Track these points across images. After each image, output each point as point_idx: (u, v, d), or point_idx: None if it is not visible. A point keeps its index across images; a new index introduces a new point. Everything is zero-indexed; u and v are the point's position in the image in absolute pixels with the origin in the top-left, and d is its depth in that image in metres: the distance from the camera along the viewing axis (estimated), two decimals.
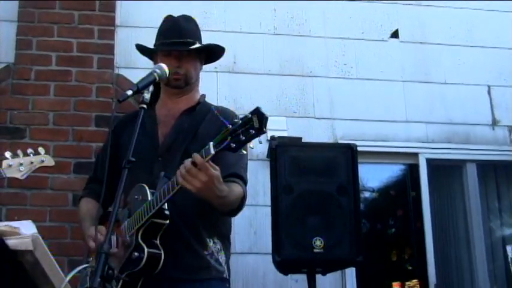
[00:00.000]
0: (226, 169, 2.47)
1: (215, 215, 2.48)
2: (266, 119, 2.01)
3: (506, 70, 4.83)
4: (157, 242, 2.35)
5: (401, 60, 4.72)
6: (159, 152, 2.54)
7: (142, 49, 2.77)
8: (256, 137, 2.03)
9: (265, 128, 2.02)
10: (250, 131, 2.02)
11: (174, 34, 2.63)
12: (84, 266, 2.14)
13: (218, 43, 2.75)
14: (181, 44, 2.62)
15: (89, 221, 2.48)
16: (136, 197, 2.42)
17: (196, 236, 2.47)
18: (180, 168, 2.19)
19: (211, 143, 2.11)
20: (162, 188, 2.26)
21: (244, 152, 2.14)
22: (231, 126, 2.06)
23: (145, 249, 2.30)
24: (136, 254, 2.31)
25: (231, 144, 2.06)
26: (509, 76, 4.81)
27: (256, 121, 2.01)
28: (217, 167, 2.21)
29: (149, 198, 2.33)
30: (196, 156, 2.15)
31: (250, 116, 2.03)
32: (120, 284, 2.33)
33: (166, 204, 2.28)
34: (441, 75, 4.74)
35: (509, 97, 4.75)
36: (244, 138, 2.03)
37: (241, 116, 2.07)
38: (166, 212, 2.33)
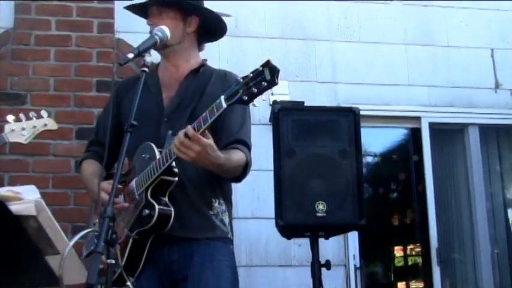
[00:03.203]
0: (229, 136, 2.49)
1: (220, 177, 2.49)
2: (278, 70, 2.03)
3: (509, 33, 4.79)
4: (166, 199, 2.36)
5: (403, 23, 4.68)
6: (165, 114, 2.54)
7: (132, 8, 2.71)
8: (268, 88, 2.05)
9: (277, 80, 2.03)
10: (262, 83, 2.03)
11: None
12: (88, 230, 2.14)
13: (220, 8, 2.70)
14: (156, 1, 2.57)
15: (96, 178, 2.47)
16: (143, 155, 2.42)
17: (202, 196, 2.48)
18: (174, 140, 2.21)
19: (222, 97, 2.12)
20: (170, 146, 2.26)
21: (256, 105, 2.12)
22: (242, 79, 2.07)
23: (156, 207, 2.31)
24: (147, 211, 2.32)
25: (244, 97, 2.07)
26: None
27: (268, 73, 2.02)
28: (210, 136, 2.22)
29: (157, 157, 2.33)
30: (189, 129, 2.18)
31: (261, 68, 2.04)
32: (130, 242, 2.37)
33: (174, 162, 2.29)
34: (444, 38, 4.71)
35: None
36: (256, 90, 2.05)
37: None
38: (175, 170, 2.34)
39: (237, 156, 2.45)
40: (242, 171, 2.49)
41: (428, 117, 4.58)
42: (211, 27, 2.69)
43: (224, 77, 2.59)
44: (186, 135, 2.18)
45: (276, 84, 2.03)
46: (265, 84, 2.03)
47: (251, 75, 2.05)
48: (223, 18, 2.70)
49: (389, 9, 4.65)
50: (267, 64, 2.03)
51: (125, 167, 2.56)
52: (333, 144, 3.16)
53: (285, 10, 4.50)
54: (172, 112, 2.54)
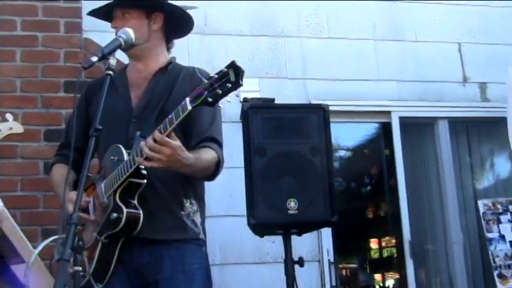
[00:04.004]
0: (199, 134, 2.49)
1: (192, 177, 2.48)
2: (242, 72, 2.02)
3: (476, 27, 4.86)
4: (135, 202, 2.35)
5: (372, 19, 4.70)
6: (134, 114, 2.52)
7: (95, 14, 2.71)
8: (233, 90, 2.04)
9: (242, 81, 2.03)
10: (227, 84, 2.03)
11: None
12: (55, 237, 2.12)
13: (190, 4, 2.69)
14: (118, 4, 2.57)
15: (66, 186, 2.42)
16: (112, 157, 2.40)
17: (173, 196, 2.47)
18: (144, 149, 2.19)
19: (187, 98, 2.12)
20: (138, 148, 2.24)
21: (221, 106, 2.14)
22: (207, 80, 2.06)
23: (124, 210, 2.30)
24: (115, 214, 2.31)
25: (208, 99, 2.06)
26: (479, 33, 4.85)
27: (233, 74, 2.02)
28: (176, 138, 2.22)
29: (125, 158, 2.32)
30: (156, 133, 2.17)
31: (226, 69, 2.03)
32: (99, 246, 2.35)
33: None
34: (412, 33, 4.75)
35: (479, 54, 4.79)
36: (221, 92, 2.04)
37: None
38: (144, 172, 2.32)
39: (207, 155, 2.44)
40: (214, 170, 2.48)
41: (399, 112, 4.61)
42: (178, 23, 2.67)
43: (193, 74, 2.56)
44: (154, 140, 2.17)
45: (241, 85, 2.03)
46: (230, 85, 2.03)
47: (216, 76, 2.05)
48: (190, 11, 2.69)
49: (358, 5, 4.66)
50: (232, 65, 2.03)
51: (96, 169, 2.56)
52: (304, 141, 3.16)
53: (254, 7, 4.48)
54: (140, 112, 2.52)
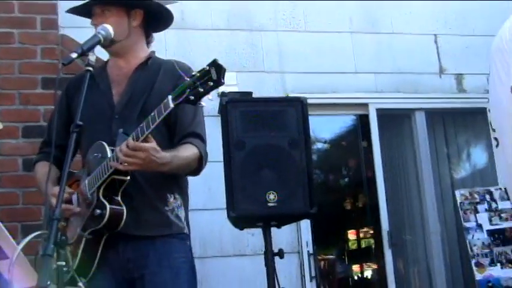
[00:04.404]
0: (182, 130, 2.51)
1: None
2: (224, 70, 2.05)
3: (452, 18, 4.89)
4: (119, 198, 2.37)
5: (349, 12, 4.72)
6: (116, 111, 2.53)
7: (74, 11, 2.71)
8: (215, 88, 2.07)
9: (223, 79, 2.06)
10: (209, 82, 2.06)
11: None
12: (37, 233, 2.13)
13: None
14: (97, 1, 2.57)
15: (50, 182, 2.43)
16: (95, 154, 2.42)
17: (157, 192, 2.49)
18: (118, 154, 2.23)
19: (169, 96, 2.14)
20: (115, 151, 2.27)
21: (204, 104, 2.16)
22: (188, 79, 2.09)
23: (107, 206, 2.32)
24: (98, 211, 2.33)
25: (190, 97, 2.09)
26: (454, 24, 4.88)
27: (214, 73, 2.04)
28: (152, 139, 2.25)
29: (108, 155, 2.33)
30: (129, 141, 2.21)
31: (207, 68, 2.06)
32: (83, 242, 2.37)
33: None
34: (388, 25, 4.78)
35: (455, 45, 4.83)
36: (202, 90, 2.07)
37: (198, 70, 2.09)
38: (127, 169, 2.33)
39: (186, 151, 2.45)
40: (197, 164, 2.50)
41: (376, 104, 4.65)
42: (157, 17, 2.68)
43: (173, 67, 2.55)
44: (128, 146, 2.21)
45: (222, 84, 2.06)
46: (212, 83, 2.05)
47: (198, 74, 2.07)
48: (169, 5, 2.69)
49: None
50: (214, 63, 2.05)
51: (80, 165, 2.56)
52: (282, 134, 3.18)
53: (231, 2, 4.49)
54: (122, 109, 2.53)
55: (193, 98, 2.08)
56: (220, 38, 4.41)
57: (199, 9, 4.41)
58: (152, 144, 2.25)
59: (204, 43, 4.34)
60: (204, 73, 2.06)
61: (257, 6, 4.55)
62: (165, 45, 4.08)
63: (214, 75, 2.04)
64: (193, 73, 2.10)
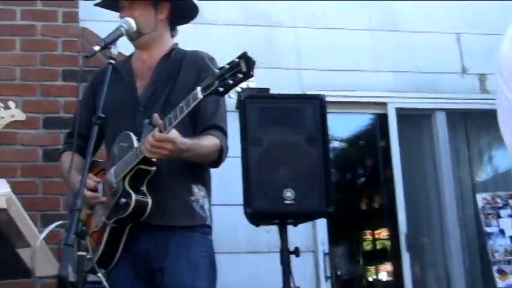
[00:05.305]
0: (204, 122, 2.53)
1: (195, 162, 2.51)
2: (253, 63, 2.07)
3: (476, 17, 4.80)
4: (144, 188, 2.39)
5: (368, 9, 4.68)
6: (141, 103, 2.56)
7: (101, 4, 2.74)
8: (244, 81, 2.08)
9: (253, 72, 2.07)
10: (238, 75, 2.06)
11: None
12: (60, 222, 2.16)
13: None
14: None
15: (75, 171, 2.48)
16: (122, 144, 2.45)
17: (182, 182, 2.50)
18: (146, 144, 2.25)
19: (198, 88, 2.16)
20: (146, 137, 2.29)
21: (232, 96, 2.18)
22: (218, 70, 2.10)
23: (133, 195, 2.34)
24: (123, 200, 2.35)
25: (219, 88, 2.10)
26: (478, 23, 4.79)
27: (244, 65, 2.05)
28: (174, 130, 2.27)
29: (135, 145, 2.36)
30: (155, 132, 2.23)
31: (237, 60, 2.07)
32: (108, 230, 2.40)
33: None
34: (409, 23, 4.72)
35: (479, 45, 4.72)
36: (231, 82, 2.08)
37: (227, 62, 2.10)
38: (153, 159, 2.35)
39: (207, 141, 2.47)
40: (218, 156, 2.51)
41: (395, 103, 4.61)
42: (183, 11, 2.71)
43: (195, 57, 2.63)
44: (154, 137, 2.23)
45: (252, 76, 2.07)
46: (241, 76, 2.06)
47: (227, 66, 2.08)
48: None
49: None
50: (243, 56, 2.06)
51: (104, 156, 2.59)
52: (300, 132, 3.18)
53: None
54: (147, 101, 2.55)
55: (222, 89, 2.10)
56: (238, 33, 4.40)
57: (217, 4, 4.39)
58: (176, 133, 2.27)
59: (221, 38, 4.32)
60: (234, 65, 2.07)
61: (275, 2, 4.52)
62: (183, 40, 4.07)
63: (244, 68, 2.05)
64: (222, 65, 2.10)
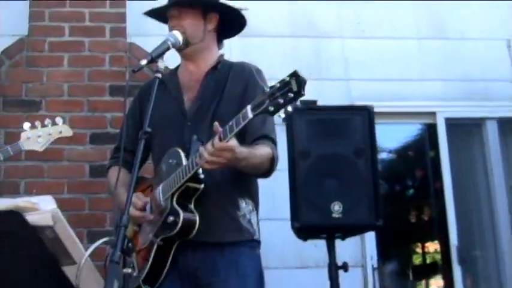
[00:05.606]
0: (254, 133, 2.48)
1: (245, 175, 2.49)
2: (305, 82, 1.99)
3: None
4: (192, 206, 2.37)
5: (415, 17, 4.62)
6: (188, 117, 2.54)
7: (151, 14, 2.73)
8: (295, 100, 2.01)
9: (304, 91, 1.99)
10: (289, 94, 2.00)
11: None
12: (106, 239, 2.15)
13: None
14: (176, 3, 2.59)
15: (122, 188, 2.48)
16: (170, 161, 2.43)
17: (228, 197, 2.48)
18: (203, 154, 2.20)
19: (248, 106, 2.11)
20: (197, 153, 2.26)
21: (282, 116, 2.12)
22: (268, 89, 2.05)
23: (181, 214, 2.33)
24: (171, 218, 2.34)
25: (269, 108, 2.04)
26: None
27: (295, 84, 1.98)
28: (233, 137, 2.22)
29: (183, 163, 2.34)
30: (216, 141, 2.18)
31: (288, 79, 2.01)
32: (155, 248, 2.38)
33: (201, 168, 2.29)
34: (457, 30, 4.64)
35: None
36: (282, 101, 2.01)
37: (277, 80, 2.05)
38: (201, 176, 2.33)
39: (260, 150, 2.43)
40: (269, 166, 2.48)
41: (444, 112, 4.52)
42: (231, 23, 2.69)
43: (242, 69, 2.61)
44: (213, 146, 2.19)
45: (303, 95, 1.99)
46: (292, 95, 1.99)
47: (278, 85, 2.02)
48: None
49: (400, 3, 4.58)
50: (294, 74, 2.00)
51: (151, 170, 2.58)
52: (348, 143, 3.13)
53: (295, 8, 4.47)
54: (194, 115, 2.54)
55: (272, 109, 2.04)
56: (284, 44, 4.39)
57: (262, 15, 4.39)
58: (235, 142, 2.22)
59: (267, 50, 4.32)
60: (284, 84, 2.01)
61: (321, 13, 4.50)
62: (230, 52, 4.08)
63: (294, 87, 1.98)
64: (273, 84, 2.06)
